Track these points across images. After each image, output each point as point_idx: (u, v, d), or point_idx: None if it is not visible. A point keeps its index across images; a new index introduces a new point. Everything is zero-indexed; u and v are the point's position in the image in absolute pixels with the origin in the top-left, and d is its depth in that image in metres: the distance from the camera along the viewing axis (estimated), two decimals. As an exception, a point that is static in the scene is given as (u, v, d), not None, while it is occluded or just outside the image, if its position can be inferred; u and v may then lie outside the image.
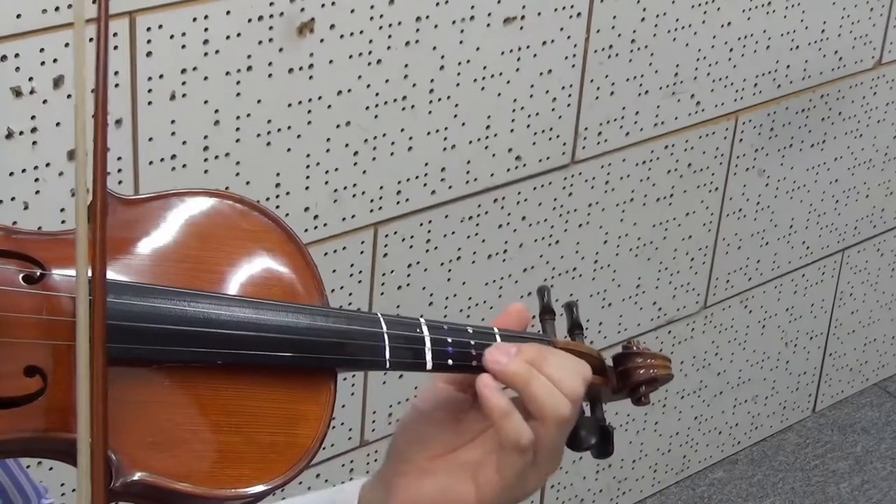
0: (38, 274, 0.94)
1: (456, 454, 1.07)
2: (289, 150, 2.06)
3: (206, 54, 1.92)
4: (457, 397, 1.08)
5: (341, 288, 2.22)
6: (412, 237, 2.28)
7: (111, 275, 0.98)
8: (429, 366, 1.06)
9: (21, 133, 1.80)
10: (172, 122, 1.93)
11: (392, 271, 2.28)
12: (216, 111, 1.96)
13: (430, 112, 2.20)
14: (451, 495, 1.05)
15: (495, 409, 1.03)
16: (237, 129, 1.99)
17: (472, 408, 1.08)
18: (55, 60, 1.79)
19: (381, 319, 1.05)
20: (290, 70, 2.01)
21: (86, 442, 0.83)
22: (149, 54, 1.87)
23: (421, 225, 2.28)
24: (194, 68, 1.92)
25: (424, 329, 1.06)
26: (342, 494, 1.11)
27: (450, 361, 1.06)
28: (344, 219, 2.18)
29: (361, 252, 2.23)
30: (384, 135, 2.16)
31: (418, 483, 1.06)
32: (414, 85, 2.16)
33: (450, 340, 1.07)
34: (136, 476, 0.92)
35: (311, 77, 2.04)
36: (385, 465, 1.10)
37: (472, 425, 1.07)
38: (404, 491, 1.06)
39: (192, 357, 0.97)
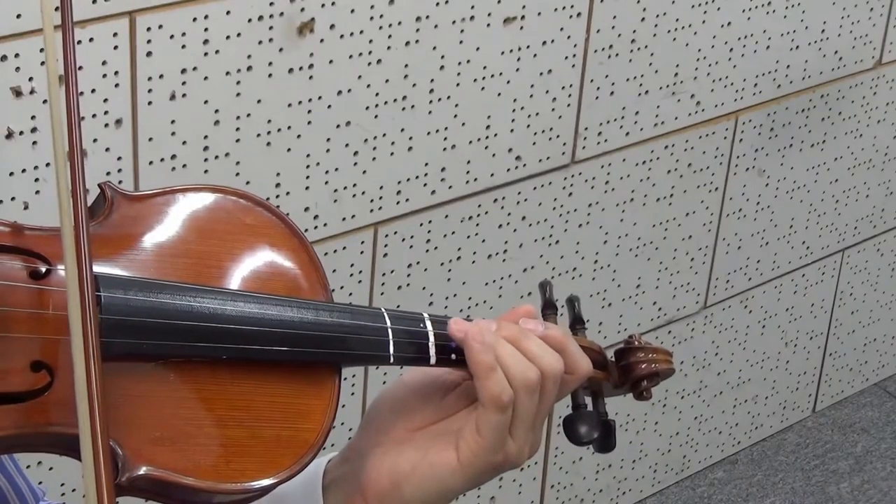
0: (44, 270, 0.94)
1: (437, 425, 1.07)
2: (289, 150, 2.06)
3: (206, 54, 1.92)
4: (444, 376, 1.09)
5: (341, 288, 2.22)
6: (412, 237, 2.28)
7: (117, 271, 0.98)
8: (432, 360, 1.06)
9: (21, 133, 1.80)
10: (172, 122, 1.93)
11: (392, 271, 2.28)
12: (216, 111, 1.96)
13: (430, 112, 2.20)
14: (433, 459, 1.05)
15: (481, 363, 1.03)
16: (237, 129, 1.99)
17: (458, 386, 1.08)
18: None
19: (385, 314, 1.05)
20: (290, 70, 2.01)
21: (87, 437, 0.83)
22: (149, 54, 1.87)
23: (421, 225, 2.28)
24: (194, 68, 1.92)
25: (428, 324, 1.06)
26: (306, 475, 1.11)
27: (453, 356, 1.07)
28: (344, 219, 2.18)
29: (361, 252, 2.23)
30: (384, 135, 2.16)
31: (397, 451, 1.06)
32: (414, 85, 2.16)
33: None
34: (142, 470, 0.93)
35: (311, 77, 2.04)
36: (359, 438, 1.10)
37: (456, 402, 1.07)
38: (382, 459, 1.06)
39: (197, 352, 0.98)
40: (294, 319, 1.01)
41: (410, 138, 2.20)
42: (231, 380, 0.99)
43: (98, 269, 0.94)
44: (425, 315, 1.07)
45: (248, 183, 2.03)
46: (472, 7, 2.17)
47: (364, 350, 1.04)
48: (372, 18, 2.07)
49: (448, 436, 1.05)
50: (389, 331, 1.04)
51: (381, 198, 2.20)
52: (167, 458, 0.94)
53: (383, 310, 1.06)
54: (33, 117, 1.80)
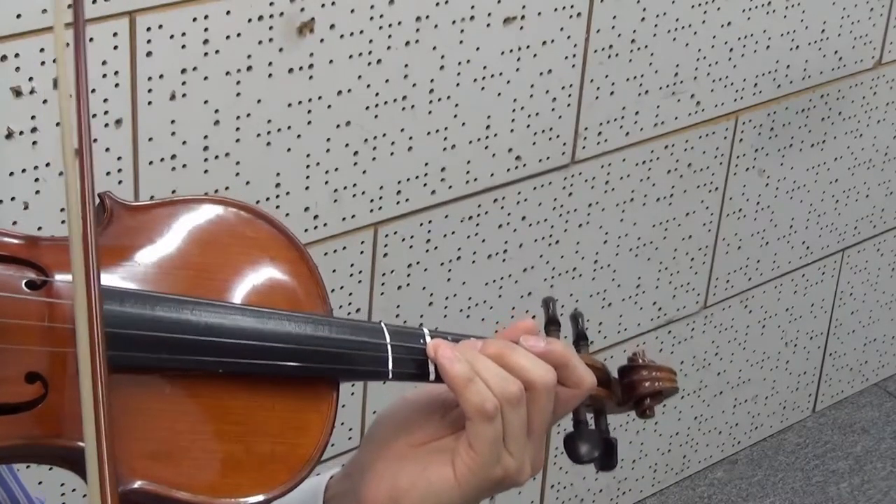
0: (41, 280, 0.94)
1: (437, 441, 1.06)
2: (289, 150, 2.06)
3: (206, 54, 1.92)
4: (447, 394, 1.08)
5: (341, 288, 2.22)
6: (412, 237, 2.28)
7: (114, 282, 0.98)
8: (431, 377, 1.05)
9: (21, 133, 1.80)
10: (172, 122, 1.93)
11: (392, 271, 2.28)
12: (216, 111, 1.96)
13: (430, 112, 2.20)
14: (430, 476, 1.04)
15: (455, 376, 1.03)
16: (237, 129, 1.99)
17: (459, 405, 1.07)
18: (55, 60, 1.78)
19: (385, 330, 1.04)
20: (290, 70, 2.01)
21: (93, 452, 0.82)
22: (149, 54, 1.87)
23: (421, 225, 2.28)
24: (194, 68, 1.92)
25: (428, 339, 1.06)
26: (308, 490, 1.10)
27: None
28: (344, 219, 2.17)
29: (361, 252, 2.23)
30: (384, 135, 2.16)
31: (397, 467, 1.05)
32: (414, 85, 2.16)
33: None
34: (136, 484, 0.92)
35: (311, 77, 2.04)
36: (361, 454, 1.09)
37: (458, 419, 1.06)
38: (382, 475, 1.05)
39: (193, 365, 0.97)
40: (292, 334, 1.00)
41: (410, 138, 2.20)
42: (227, 394, 0.98)
43: None
44: (426, 330, 1.06)
45: (247, 183, 2.03)
46: (472, 7, 2.17)
47: (362, 365, 1.03)
48: (372, 18, 2.07)
49: (446, 452, 1.04)
50: (389, 347, 1.04)
51: (381, 198, 2.20)
52: (162, 472, 0.93)
53: (383, 324, 1.05)
54: (33, 117, 1.80)
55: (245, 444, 0.98)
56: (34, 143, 1.81)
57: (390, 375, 1.04)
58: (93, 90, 1.84)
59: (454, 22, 2.16)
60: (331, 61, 2.05)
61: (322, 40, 2.02)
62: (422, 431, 1.07)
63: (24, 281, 0.94)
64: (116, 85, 1.85)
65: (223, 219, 1.06)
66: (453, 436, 1.05)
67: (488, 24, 2.20)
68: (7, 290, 0.93)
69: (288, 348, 1.00)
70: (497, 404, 1.02)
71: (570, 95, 2.37)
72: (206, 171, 1.98)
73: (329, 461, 2.48)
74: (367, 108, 2.12)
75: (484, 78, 2.24)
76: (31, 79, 1.78)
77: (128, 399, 0.94)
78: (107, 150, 1.88)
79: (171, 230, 1.03)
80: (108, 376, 0.86)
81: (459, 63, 2.20)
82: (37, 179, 1.83)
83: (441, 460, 1.04)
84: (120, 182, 1.90)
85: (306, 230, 2.13)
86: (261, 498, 0.97)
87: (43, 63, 1.78)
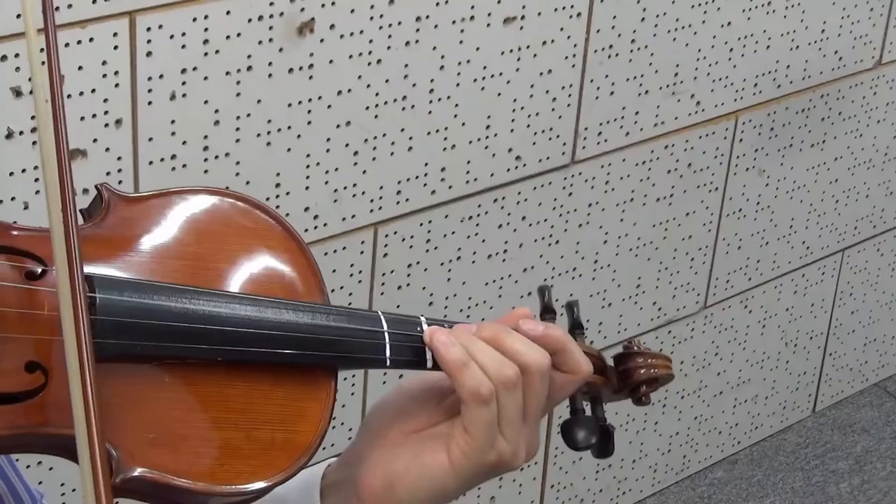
0: (40, 271, 0.95)
1: (432, 428, 1.07)
2: (289, 150, 2.06)
3: (206, 54, 1.92)
4: (442, 382, 1.08)
5: (341, 288, 2.22)
6: (412, 237, 2.28)
7: (112, 272, 0.98)
8: (429, 364, 1.06)
9: (21, 133, 1.80)
10: (172, 122, 1.93)
11: (392, 271, 2.28)
12: (216, 111, 1.96)
13: (430, 112, 2.20)
14: (425, 461, 1.04)
15: (450, 361, 1.03)
16: (237, 129, 2.00)
17: (454, 392, 1.08)
18: (41, 63, 1.78)
19: (382, 318, 1.05)
20: (290, 70, 2.01)
21: (84, 439, 0.83)
22: (149, 54, 1.87)
23: (421, 225, 2.28)
24: (194, 68, 1.92)
25: (425, 327, 1.06)
26: (305, 478, 1.11)
27: None
28: (344, 219, 2.18)
29: (361, 252, 2.23)
30: (384, 135, 2.16)
31: (392, 454, 1.06)
32: (414, 85, 2.16)
33: None
34: (137, 472, 0.92)
35: (311, 77, 2.04)
36: (357, 442, 1.09)
37: (453, 406, 1.07)
38: (377, 462, 1.06)
39: (192, 354, 0.98)
40: (290, 322, 1.01)
41: (410, 138, 2.20)
42: (226, 382, 0.99)
43: (93, 270, 0.94)
44: (422, 318, 1.07)
45: (248, 183, 2.03)
46: (472, 7, 2.17)
47: (360, 353, 1.04)
48: (372, 18, 2.07)
49: (441, 438, 1.05)
50: (386, 335, 1.04)
51: (381, 198, 2.21)
52: (162, 459, 0.94)
53: (380, 313, 1.05)
54: (33, 117, 1.80)
55: (244, 432, 0.98)
56: (34, 143, 1.81)
57: (388, 363, 1.05)
58: (93, 90, 1.84)
59: (454, 22, 2.16)
60: (331, 61, 2.05)
61: (322, 40, 2.02)
62: (417, 419, 1.07)
63: (23, 271, 0.94)
64: (116, 85, 1.85)
65: (220, 209, 1.06)
66: (448, 422, 1.06)
67: (488, 24, 2.21)
68: (7, 279, 0.93)
69: (286, 336, 1.01)
70: (492, 388, 1.02)
71: (570, 95, 2.37)
72: (206, 171, 1.98)
73: (329, 461, 2.47)
74: (367, 108, 2.12)
75: (484, 78, 2.24)
76: (31, 79, 1.77)
77: (127, 388, 0.94)
78: (107, 150, 1.88)
79: (169, 220, 1.04)
80: (107, 365, 0.86)
81: (459, 63, 2.20)
82: (37, 179, 1.84)
83: (436, 446, 1.05)
84: (120, 182, 1.90)
85: (306, 230, 2.13)
86: (261, 485, 0.97)
87: (43, 63, 1.78)
